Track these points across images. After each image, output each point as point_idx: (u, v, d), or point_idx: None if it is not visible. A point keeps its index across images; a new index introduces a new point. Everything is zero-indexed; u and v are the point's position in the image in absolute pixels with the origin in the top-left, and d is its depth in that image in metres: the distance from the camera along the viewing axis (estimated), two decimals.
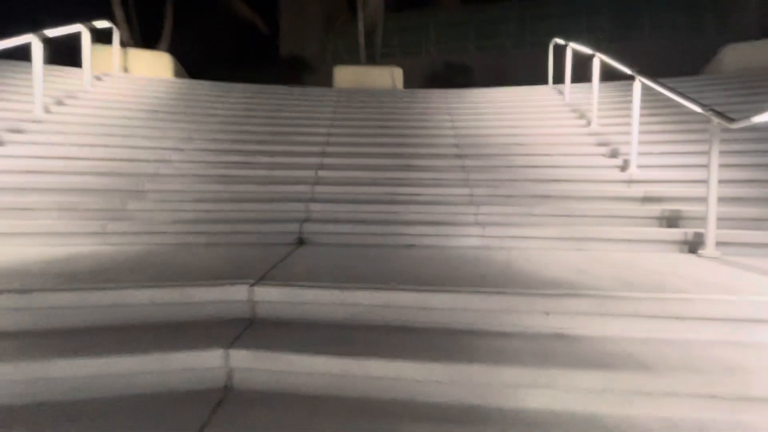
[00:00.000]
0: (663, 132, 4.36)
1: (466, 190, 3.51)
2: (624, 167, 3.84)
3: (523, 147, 4.46)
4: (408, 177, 3.81)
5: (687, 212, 3.00)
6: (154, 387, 1.32)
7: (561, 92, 6.26)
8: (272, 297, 1.69)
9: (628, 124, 4.84)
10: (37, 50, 4.60)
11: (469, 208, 3.22)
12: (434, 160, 4.14)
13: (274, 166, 4.01)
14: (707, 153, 3.67)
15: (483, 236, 2.92)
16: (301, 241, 2.95)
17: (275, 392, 1.34)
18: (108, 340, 1.45)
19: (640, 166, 3.68)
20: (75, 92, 5.35)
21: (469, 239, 2.93)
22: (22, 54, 4.81)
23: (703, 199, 3.12)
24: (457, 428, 1.18)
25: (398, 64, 8.84)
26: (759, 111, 2.34)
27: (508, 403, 1.27)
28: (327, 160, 4.11)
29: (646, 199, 3.30)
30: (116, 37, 6.81)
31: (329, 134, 4.88)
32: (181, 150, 4.21)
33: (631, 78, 3.91)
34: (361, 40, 9.29)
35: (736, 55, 6.58)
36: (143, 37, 8.60)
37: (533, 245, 2.86)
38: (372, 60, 9.74)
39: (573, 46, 5.68)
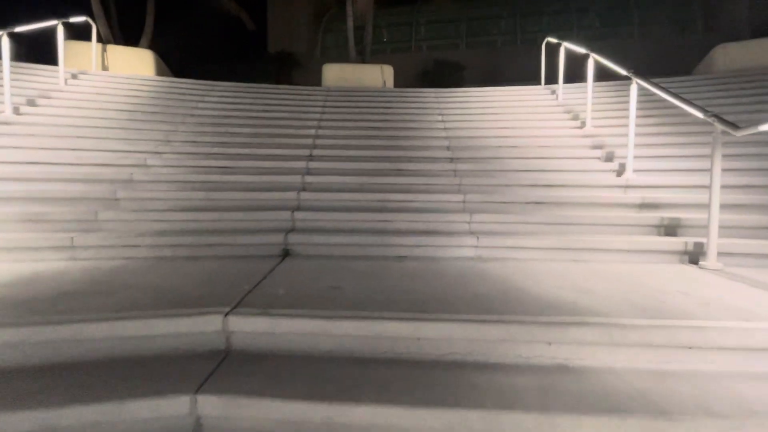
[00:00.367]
0: (659, 134, 4.28)
1: (459, 197, 3.38)
2: (620, 172, 3.75)
3: (516, 150, 4.34)
4: (399, 182, 3.66)
5: (686, 220, 2.91)
6: None
7: (554, 92, 6.16)
8: (249, 327, 1.53)
9: (623, 125, 4.78)
10: (5, 47, 4.35)
11: (463, 216, 3.09)
12: (426, 164, 4.00)
13: (258, 171, 3.83)
14: (706, 157, 3.61)
15: (477, 246, 2.79)
16: (286, 253, 2.79)
17: None
18: (58, 383, 1.28)
19: (636, 171, 3.59)
20: (48, 92, 5.08)
21: (463, 250, 2.80)
22: None
23: (703, 206, 3.05)
24: None
25: (388, 61, 8.67)
26: (755, 113, 2.24)
27: None
28: (314, 165, 3.94)
29: (644, 206, 3.21)
30: (94, 33, 6.52)
31: (317, 136, 4.70)
32: (160, 154, 4.00)
33: (626, 78, 3.83)
34: (350, 36, 9.09)
35: (727, 54, 6.55)
36: (125, 33, 8.28)
37: (529, 256, 2.74)
38: (362, 57, 9.54)
39: (566, 45, 5.57)
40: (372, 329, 1.49)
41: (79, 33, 6.70)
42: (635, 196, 3.27)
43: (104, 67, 6.89)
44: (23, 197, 3.10)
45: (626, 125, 4.75)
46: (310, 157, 4.16)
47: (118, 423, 1.18)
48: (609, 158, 4.03)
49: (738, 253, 2.56)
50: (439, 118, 5.42)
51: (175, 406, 1.21)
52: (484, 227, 3.04)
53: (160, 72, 7.44)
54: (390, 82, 7.78)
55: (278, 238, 2.79)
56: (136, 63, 7.17)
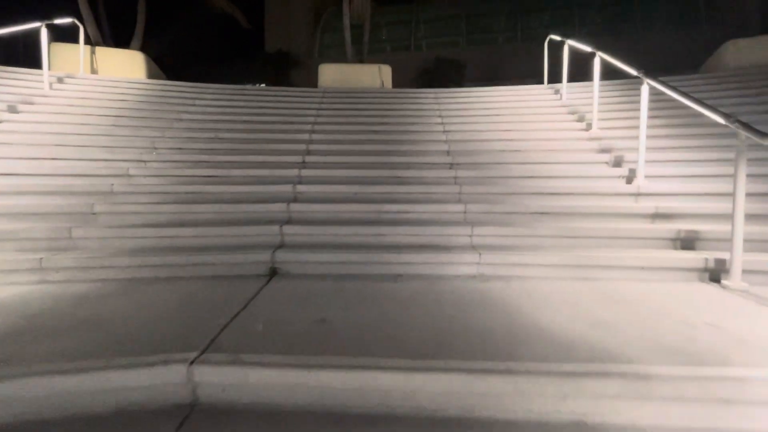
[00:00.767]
0: (670, 137, 4.05)
1: (459, 207, 3.17)
2: (630, 178, 3.54)
3: (519, 154, 4.13)
4: (396, 191, 3.46)
5: (704, 232, 2.70)
6: None
7: (557, 92, 5.94)
8: (217, 378, 1.33)
9: (631, 128, 4.57)
10: None
11: (463, 229, 2.88)
12: (425, 171, 3.79)
13: (247, 180, 3.63)
14: (723, 161, 3.44)
15: (479, 264, 2.58)
16: (273, 272, 2.58)
17: None
18: None
19: (647, 177, 3.37)
20: (31, 97, 4.89)
21: (464, 267, 2.59)
22: None
23: (722, 216, 2.86)
24: None
25: (387, 60, 8.45)
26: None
27: None
28: (306, 173, 3.74)
29: (657, 216, 3.00)
30: (81, 35, 6.31)
31: (310, 141, 4.50)
32: (144, 162, 3.80)
33: (634, 78, 3.61)
34: (347, 35, 8.87)
35: (737, 50, 6.31)
36: (115, 34, 8.08)
37: (534, 273, 2.53)
38: (359, 56, 9.33)
39: (571, 44, 5.34)
40: (359, 381, 1.29)
41: (68, 35, 6.51)
42: (648, 206, 3.06)
43: (93, 70, 6.69)
44: None
45: (634, 127, 4.55)
46: (303, 164, 3.96)
47: None
48: (617, 163, 3.82)
49: (763, 271, 2.35)
50: (439, 120, 5.21)
51: None
52: (486, 241, 2.84)
53: (151, 74, 7.23)
54: (388, 83, 7.57)
55: (265, 256, 2.59)
56: (126, 65, 6.96)
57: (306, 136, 4.58)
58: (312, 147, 4.31)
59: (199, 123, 4.83)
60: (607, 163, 3.88)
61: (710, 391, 1.24)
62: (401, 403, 1.29)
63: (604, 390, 1.25)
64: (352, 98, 6.07)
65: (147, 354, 1.39)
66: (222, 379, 1.32)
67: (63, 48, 6.61)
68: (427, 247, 2.75)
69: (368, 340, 1.54)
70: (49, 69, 5.54)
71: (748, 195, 2.33)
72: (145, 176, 3.56)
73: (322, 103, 5.80)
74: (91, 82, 5.80)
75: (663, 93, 3.21)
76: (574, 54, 5.36)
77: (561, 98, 5.66)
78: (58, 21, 5.64)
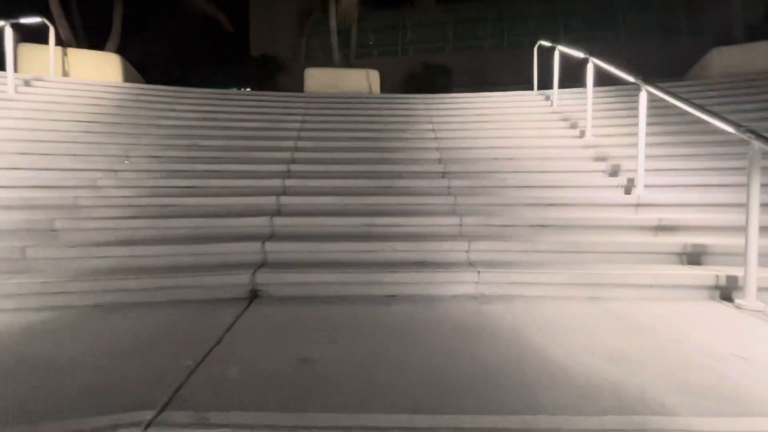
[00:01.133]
0: (667, 145, 3.96)
1: (454, 219, 2.99)
2: (628, 188, 3.42)
3: (513, 162, 3.99)
4: (386, 203, 3.26)
5: (711, 246, 2.57)
6: None
7: (548, 98, 5.85)
8: None
9: (626, 135, 4.48)
10: None
11: (460, 243, 2.70)
12: (417, 181, 3.61)
13: (227, 191, 3.39)
14: (727, 170, 3.35)
15: (478, 282, 2.40)
16: (254, 295, 2.35)
17: None
18: None
19: (647, 186, 3.26)
20: None
21: (462, 286, 2.40)
22: None
23: (728, 228, 2.75)
24: None
25: (374, 65, 8.29)
26: (763, 120, 1.92)
27: None
28: (291, 183, 3.51)
29: (660, 229, 2.87)
30: (52, 35, 5.96)
31: (296, 149, 4.27)
32: (115, 172, 3.52)
33: (624, 83, 3.52)
34: (334, 39, 8.69)
35: (723, 58, 6.35)
36: (90, 36, 7.73)
37: (538, 293, 2.36)
38: (346, 60, 9.15)
39: (562, 49, 5.26)
40: None
41: (41, 35, 6.14)
42: (650, 217, 2.93)
43: (65, 73, 6.33)
44: None
45: (629, 134, 4.47)
46: (288, 174, 3.73)
47: None
48: (614, 172, 3.70)
49: None
50: (429, 126, 5.04)
51: None
52: (485, 257, 2.66)
53: (128, 77, 6.90)
54: (376, 88, 7.40)
55: (245, 277, 2.36)
56: (101, 68, 6.62)
57: (291, 144, 4.36)
58: (297, 155, 4.09)
59: (178, 129, 4.56)
60: (603, 171, 3.76)
61: None
62: None
63: None
64: (339, 104, 5.86)
65: (93, 414, 1.15)
66: None
67: (32, 49, 6.25)
68: (422, 264, 2.56)
69: (360, 388, 1.33)
70: (17, 71, 5.21)
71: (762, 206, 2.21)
72: (115, 187, 3.29)
73: (308, 108, 5.58)
74: (61, 86, 5.46)
75: (657, 99, 3.12)
76: (562, 60, 5.30)
77: (552, 104, 5.57)
78: (24, 20, 5.30)
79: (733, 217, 2.73)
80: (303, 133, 4.68)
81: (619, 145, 4.17)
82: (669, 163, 3.67)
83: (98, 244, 2.57)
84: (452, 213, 3.19)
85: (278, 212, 3.15)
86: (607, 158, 3.94)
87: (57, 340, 1.75)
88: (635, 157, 3.69)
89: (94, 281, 2.24)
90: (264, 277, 2.37)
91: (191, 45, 15.61)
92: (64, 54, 6.40)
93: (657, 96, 3.12)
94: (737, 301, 2.18)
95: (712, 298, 2.31)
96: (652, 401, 1.22)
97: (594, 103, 5.21)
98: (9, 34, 4.91)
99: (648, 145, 3.85)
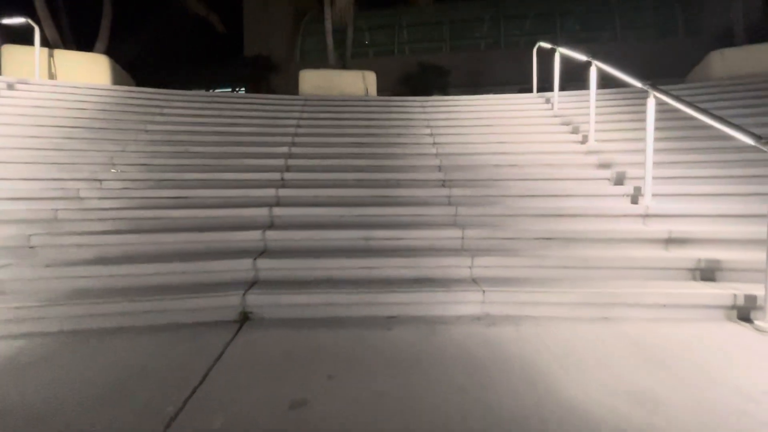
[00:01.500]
0: (674, 151, 3.84)
1: (456, 232, 2.85)
2: (635, 197, 3.30)
3: (514, 170, 3.86)
4: (385, 214, 3.12)
5: (726, 262, 2.45)
6: None
7: (548, 101, 5.74)
8: None
9: (629, 140, 4.38)
10: None
11: (463, 259, 2.56)
12: (416, 190, 3.46)
13: (218, 202, 3.23)
14: (738, 178, 3.24)
15: (483, 302, 2.27)
16: (244, 318, 2.20)
17: None
18: None
19: (655, 195, 3.14)
20: None
21: (466, 307, 2.27)
22: None
23: (743, 242, 2.64)
24: None
25: (370, 65, 8.15)
26: None
27: None
28: (285, 193, 3.36)
29: (671, 242, 2.74)
30: (37, 36, 5.76)
31: (290, 155, 4.12)
32: (99, 182, 3.35)
33: (625, 86, 3.40)
34: (329, 40, 8.52)
35: (725, 60, 6.26)
36: (78, 37, 7.51)
37: (548, 313, 2.23)
38: (342, 61, 8.99)
39: (563, 51, 5.14)
40: None
41: (27, 36, 5.93)
42: (659, 229, 2.81)
43: (51, 75, 6.13)
44: None
45: (633, 139, 4.37)
46: (282, 183, 3.58)
47: None
48: (620, 180, 3.58)
49: None
50: (428, 131, 4.91)
51: None
52: (489, 273, 2.53)
53: (117, 80, 6.71)
54: (372, 90, 7.25)
55: (235, 299, 2.21)
56: (89, 70, 6.43)
57: (285, 150, 4.20)
58: (291, 162, 3.93)
59: (167, 135, 4.39)
60: (608, 179, 3.64)
61: None
62: None
63: None
64: (335, 107, 5.71)
65: None
66: None
67: (17, 50, 6.05)
68: (423, 282, 2.42)
69: None
70: (0, 74, 5.02)
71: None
72: (98, 198, 3.12)
73: (303, 112, 5.42)
74: (46, 89, 5.27)
75: (659, 102, 3.01)
76: (547, 59, 5.18)
77: (552, 108, 5.46)
78: (7, 21, 5.10)
79: (750, 230, 2.62)
80: (297, 139, 4.53)
81: (622, 150, 4.06)
82: (676, 170, 3.56)
83: (78, 263, 2.41)
84: (453, 225, 3.06)
85: (271, 225, 3.01)
86: (611, 165, 3.83)
87: (20, 379, 1.59)
88: (640, 164, 3.57)
89: (72, 305, 2.09)
90: (255, 299, 2.22)
91: (184, 45, 15.38)
92: (50, 55, 6.20)
93: (662, 100, 3.00)
94: (757, 322, 2.06)
95: (729, 318, 2.19)
96: None
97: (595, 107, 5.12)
98: None
99: (643, 150, 3.76)
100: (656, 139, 4.16)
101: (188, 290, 2.26)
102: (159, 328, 2.08)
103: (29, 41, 5.86)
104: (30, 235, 2.54)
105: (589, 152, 4.12)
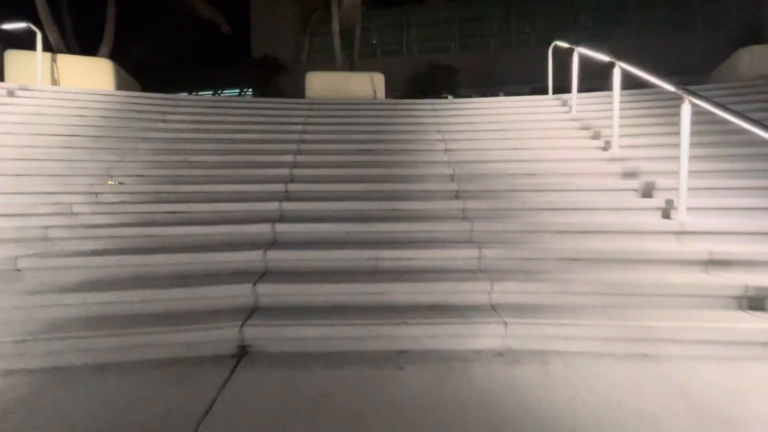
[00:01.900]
0: (703, 158, 3.54)
1: (472, 251, 2.63)
2: (666, 210, 3.04)
3: (533, 179, 3.61)
4: (394, 230, 2.90)
5: None
6: None
7: (565, 104, 5.47)
8: None
9: (655, 146, 4.09)
10: None
11: (481, 284, 2.34)
12: (428, 202, 3.25)
13: (218, 217, 3.05)
14: None
15: (505, 335, 2.04)
16: (243, 352, 2.01)
17: None
18: None
19: (690, 209, 2.88)
20: None
21: (486, 340, 2.05)
22: None
23: None
24: None
25: (378, 65, 7.97)
26: None
27: None
28: (289, 206, 3.17)
29: (712, 264, 2.49)
30: (39, 41, 5.66)
31: (295, 164, 3.93)
32: (95, 195, 3.20)
33: (647, 87, 3.14)
34: (337, 41, 8.33)
35: (755, 57, 5.92)
36: (82, 41, 7.42)
37: (579, 349, 2.00)
38: (349, 61, 8.80)
39: (581, 51, 4.87)
40: None
41: (30, 41, 5.83)
42: (697, 249, 2.55)
43: (54, 81, 6.03)
44: None
45: (659, 146, 4.09)
46: (286, 195, 3.39)
47: None
48: (648, 192, 3.32)
49: None
50: (439, 136, 4.68)
51: None
52: (510, 299, 2.30)
53: (121, 84, 6.59)
54: (381, 92, 7.03)
55: (232, 331, 2.02)
56: (92, 74, 6.32)
57: (290, 158, 4.01)
58: (296, 172, 3.74)
59: (168, 143, 4.23)
60: (635, 190, 3.38)
61: None
62: None
63: None
64: (342, 111, 5.52)
65: None
66: None
67: (19, 56, 5.95)
68: (437, 310, 2.21)
69: None
70: (3, 80, 4.92)
71: None
72: (92, 214, 2.96)
73: (309, 117, 5.23)
74: (48, 95, 5.16)
75: (678, 104, 2.76)
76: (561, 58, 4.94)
77: (570, 111, 5.19)
78: (8, 26, 5.00)
79: None
80: (303, 146, 4.33)
81: (648, 158, 3.79)
82: (710, 180, 3.29)
83: (65, 289, 2.24)
84: (469, 242, 2.83)
85: (274, 242, 2.81)
86: (637, 174, 3.57)
87: None
88: (670, 173, 3.33)
89: (56, 340, 1.91)
90: (254, 331, 2.02)
91: (191, 47, 15.32)
92: (53, 60, 6.10)
93: (667, 100, 2.74)
94: None
95: None
96: None
97: (612, 109, 4.84)
98: None
99: (677, 158, 3.50)
100: (678, 145, 3.92)
101: (182, 320, 2.08)
102: (148, 364, 1.90)
103: (33, 46, 5.77)
104: (17, 257, 2.38)
105: (613, 160, 3.86)
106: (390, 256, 2.61)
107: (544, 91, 6.27)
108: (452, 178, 3.71)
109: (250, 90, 16.81)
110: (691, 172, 3.17)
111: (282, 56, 14.54)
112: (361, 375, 1.81)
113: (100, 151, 3.89)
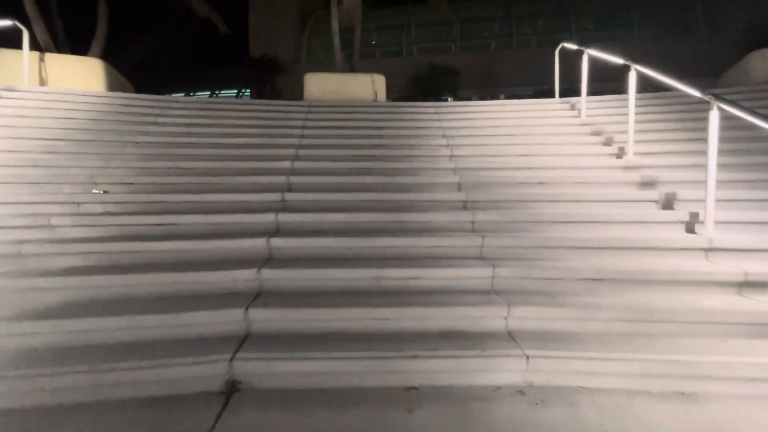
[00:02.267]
0: (730, 167, 3.32)
1: (485, 270, 2.42)
2: (690, 224, 2.84)
3: (544, 190, 3.41)
4: (400, 246, 2.69)
5: None
6: None
7: (574, 108, 5.27)
8: None
9: (672, 153, 3.89)
10: None
11: (496, 308, 2.13)
12: (434, 214, 3.04)
13: (208, 230, 2.83)
14: None
15: (526, 370, 1.83)
16: (232, 388, 1.79)
17: None
18: None
19: (718, 223, 2.67)
20: None
21: (505, 375, 1.84)
22: None
23: None
24: None
25: (378, 66, 7.76)
26: None
27: None
28: (286, 218, 2.95)
29: (747, 286, 2.28)
30: (26, 39, 5.42)
31: (292, 171, 3.71)
32: (77, 205, 2.97)
33: (663, 89, 2.94)
34: (336, 41, 8.10)
35: (766, 62, 5.73)
36: (73, 40, 7.17)
37: (606, 385, 1.79)
38: (349, 61, 8.57)
39: (592, 54, 4.68)
40: None
41: (18, 39, 5.59)
42: (730, 270, 2.34)
43: (42, 81, 5.79)
44: None
45: (676, 153, 3.90)
46: (283, 206, 3.18)
47: None
48: (668, 203, 3.12)
49: None
50: (444, 141, 4.47)
51: None
52: (529, 325, 2.09)
53: (113, 85, 6.35)
54: (382, 94, 6.82)
55: (220, 366, 1.79)
56: (82, 75, 6.08)
57: (288, 165, 3.79)
58: (294, 180, 3.52)
59: (158, 148, 4.01)
60: (655, 202, 3.17)
61: None
62: None
63: None
64: (342, 114, 5.30)
65: None
66: None
67: (6, 55, 5.71)
68: (449, 338, 1.99)
69: None
70: None
71: None
72: (72, 227, 2.74)
73: (308, 120, 5.02)
74: (33, 96, 4.93)
75: (695, 110, 2.57)
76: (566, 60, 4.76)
77: (579, 115, 4.99)
78: None
79: None
80: (301, 152, 4.11)
81: (665, 166, 3.60)
82: (735, 191, 3.09)
83: (37, 315, 2.01)
84: (480, 258, 2.62)
85: (269, 258, 2.59)
86: (655, 184, 3.37)
87: None
88: (691, 183, 3.16)
89: (20, 378, 1.69)
90: (245, 366, 1.80)
91: (188, 47, 15.09)
92: (41, 60, 5.86)
93: (684, 104, 2.54)
94: None
95: None
96: None
97: (623, 114, 4.66)
98: None
99: (697, 166, 3.31)
100: (699, 152, 3.72)
101: (165, 351, 1.85)
102: (125, 403, 1.68)
103: (21, 44, 5.53)
104: None
105: (628, 168, 3.66)
106: (395, 275, 2.40)
107: (548, 94, 6.08)
108: (459, 186, 3.50)
109: (248, 90, 16.58)
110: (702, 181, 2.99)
111: (280, 56, 14.31)
112: (367, 418, 1.59)
113: (85, 157, 3.66)
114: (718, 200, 2.70)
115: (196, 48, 16.28)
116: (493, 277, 2.41)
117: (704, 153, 2.62)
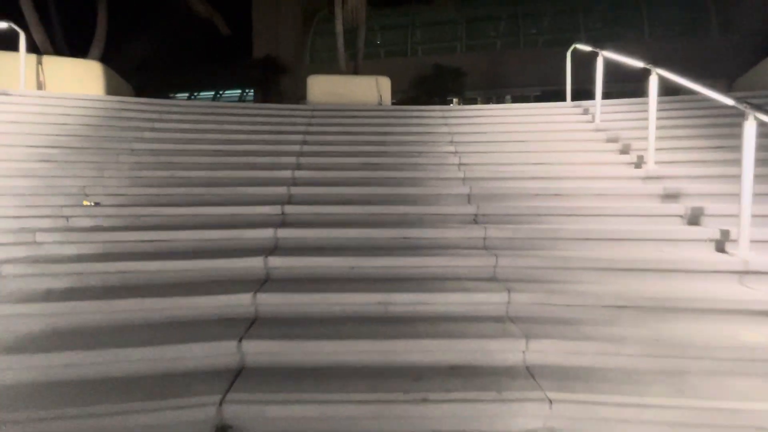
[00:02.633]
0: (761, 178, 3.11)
1: (500, 296, 2.23)
2: (720, 243, 2.63)
3: (560, 202, 3.21)
4: (407, 266, 2.51)
5: None
6: None
7: (587, 112, 5.06)
8: None
9: (694, 162, 3.67)
10: None
11: (513, 341, 1.94)
12: (443, 229, 2.85)
13: (203, 247, 2.67)
14: None
15: (549, 416, 1.64)
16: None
17: None
18: None
19: (753, 242, 2.46)
20: None
21: (524, 420, 1.65)
22: None
23: None
24: None
25: (382, 66, 7.58)
26: None
27: None
28: (286, 234, 2.78)
29: None
30: (22, 42, 5.29)
31: (294, 182, 3.53)
32: (66, 219, 2.82)
33: (683, 92, 2.73)
34: (340, 43, 7.93)
35: None
36: (72, 42, 7.04)
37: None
38: (353, 62, 8.39)
39: (608, 56, 4.47)
40: None
41: (16, 41, 5.46)
42: None
43: (39, 84, 5.66)
44: None
45: (699, 162, 3.67)
46: (282, 220, 3.01)
47: None
48: (695, 218, 2.91)
49: None
50: (452, 149, 4.27)
51: None
52: (549, 360, 1.90)
53: (112, 88, 6.22)
54: (387, 97, 6.63)
55: (209, 410, 1.62)
56: (81, 78, 5.95)
57: (289, 174, 3.61)
58: (295, 191, 3.34)
59: (154, 155, 3.85)
60: (680, 216, 2.96)
61: None
62: None
63: None
64: (346, 118, 5.12)
65: None
66: None
67: (3, 57, 5.59)
68: (461, 374, 1.81)
69: None
70: None
71: None
72: (59, 244, 2.58)
73: (310, 125, 4.84)
74: (28, 101, 4.78)
75: (710, 114, 2.36)
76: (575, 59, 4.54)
77: (594, 121, 4.77)
78: None
79: None
80: (303, 159, 3.94)
81: (689, 177, 3.39)
82: (763, 205, 2.86)
83: (12, 348, 1.84)
84: (494, 280, 2.43)
85: (266, 279, 2.42)
86: (679, 196, 3.16)
87: None
88: (719, 196, 2.96)
89: None
90: (236, 410, 1.63)
91: (191, 48, 14.98)
92: (39, 63, 5.73)
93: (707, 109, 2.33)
94: None
95: None
96: None
97: (639, 118, 4.47)
98: None
99: (724, 177, 3.10)
100: (726, 162, 3.52)
101: (148, 392, 1.68)
102: None
103: (18, 47, 5.40)
104: None
105: (649, 178, 3.45)
106: (402, 300, 2.22)
107: (556, 95, 5.86)
108: (469, 198, 3.31)
109: (251, 91, 16.46)
110: (730, 195, 2.77)
111: (284, 57, 14.17)
112: None
113: (80, 166, 3.51)
114: (753, 215, 2.49)
115: (199, 49, 16.17)
116: (508, 303, 2.22)
117: (731, 162, 2.43)
